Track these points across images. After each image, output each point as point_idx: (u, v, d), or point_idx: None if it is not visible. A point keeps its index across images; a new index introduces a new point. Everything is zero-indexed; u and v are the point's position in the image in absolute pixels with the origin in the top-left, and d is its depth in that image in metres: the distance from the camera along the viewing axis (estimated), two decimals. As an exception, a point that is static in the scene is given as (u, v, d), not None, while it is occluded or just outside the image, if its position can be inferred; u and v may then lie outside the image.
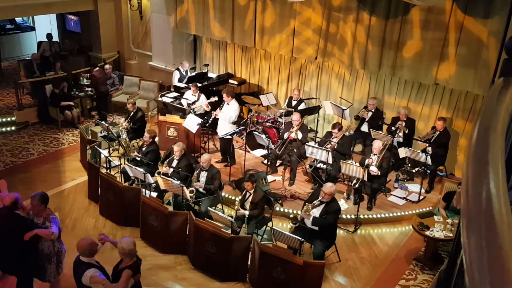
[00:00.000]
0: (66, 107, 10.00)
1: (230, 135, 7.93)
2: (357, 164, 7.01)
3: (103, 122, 8.59)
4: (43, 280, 5.21)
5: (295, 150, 7.70)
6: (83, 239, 4.54)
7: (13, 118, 10.09)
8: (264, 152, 7.97)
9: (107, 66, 11.03)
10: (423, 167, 7.52)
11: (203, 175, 6.71)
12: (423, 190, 7.59)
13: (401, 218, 7.18)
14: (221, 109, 8.09)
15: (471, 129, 1.49)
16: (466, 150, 1.40)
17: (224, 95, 8.06)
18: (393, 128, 7.93)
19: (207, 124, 8.50)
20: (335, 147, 7.48)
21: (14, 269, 5.15)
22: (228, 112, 8.03)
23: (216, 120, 8.27)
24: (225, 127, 8.10)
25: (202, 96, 8.87)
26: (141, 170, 6.69)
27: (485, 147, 1.30)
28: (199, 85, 9.15)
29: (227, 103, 8.05)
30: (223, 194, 7.21)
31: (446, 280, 2.00)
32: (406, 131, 7.91)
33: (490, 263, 0.91)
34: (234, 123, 8.14)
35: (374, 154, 7.12)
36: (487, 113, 1.51)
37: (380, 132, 7.80)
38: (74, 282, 4.49)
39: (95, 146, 7.78)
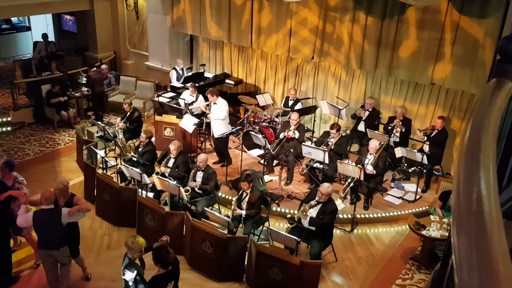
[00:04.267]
0: (62, 108, 9.97)
1: (226, 135, 7.93)
2: (354, 163, 7.02)
3: (99, 123, 8.56)
4: (19, 235, 5.87)
5: (291, 150, 7.71)
6: (46, 190, 5.06)
7: (9, 119, 10.07)
8: (261, 152, 7.97)
9: (103, 66, 11.00)
10: (419, 167, 7.54)
11: (199, 175, 6.70)
12: (419, 190, 7.60)
13: (397, 218, 7.20)
14: (210, 111, 8.10)
15: (464, 130, 1.49)
16: (458, 151, 1.40)
17: (209, 96, 8.07)
18: (389, 126, 7.95)
19: (204, 125, 8.50)
20: (332, 147, 7.49)
21: None
22: (218, 111, 8.03)
23: (209, 123, 8.28)
24: (219, 127, 8.09)
25: (200, 97, 8.86)
26: (138, 170, 6.68)
27: (476, 148, 1.30)
28: (196, 85, 9.15)
29: (214, 103, 8.06)
30: (219, 194, 7.21)
31: (439, 281, 2.01)
32: (403, 129, 7.92)
33: (479, 264, 0.91)
34: (229, 123, 8.14)
35: (370, 154, 7.13)
36: (479, 114, 1.52)
37: (376, 131, 7.82)
38: (41, 237, 5.09)
39: (91, 147, 7.76)
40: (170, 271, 4.50)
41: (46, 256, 5.15)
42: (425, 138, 7.57)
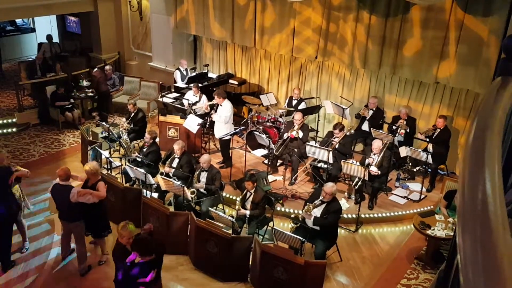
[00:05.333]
0: (67, 108, 10.01)
1: (230, 135, 7.93)
2: (358, 163, 7.00)
3: (103, 123, 8.60)
4: (18, 219, 6.16)
5: (295, 149, 7.70)
6: (61, 168, 5.62)
7: (14, 120, 10.12)
8: (265, 152, 7.97)
9: (107, 67, 11.03)
10: (424, 166, 7.51)
11: (204, 176, 6.71)
12: (424, 189, 7.58)
13: (402, 217, 7.17)
14: (215, 111, 8.11)
15: (469, 129, 1.49)
16: (463, 150, 1.39)
17: (216, 97, 8.08)
18: (394, 126, 7.92)
19: (207, 125, 8.50)
20: (336, 146, 7.48)
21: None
22: (223, 113, 8.04)
23: (214, 122, 8.30)
24: (221, 129, 8.10)
25: (203, 97, 8.88)
26: (142, 171, 6.70)
27: (481, 147, 1.30)
28: (199, 85, 9.16)
29: (220, 105, 8.07)
30: (224, 194, 7.21)
31: (445, 280, 2.00)
32: (407, 130, 7.90)
33: (484, 264, 0.91)
34: (232, 123, 8.14)
35: (374, 154, 7.11)
36: (484, 113, 1.51)
37: (380, 131, 7.80)
38: (56, 207, 5.78)
39: (96, 147, 7.79)
40: (152, 260, 4.59)
41: (64, 226, 5.90)
42: (427, 139, 7.54)
